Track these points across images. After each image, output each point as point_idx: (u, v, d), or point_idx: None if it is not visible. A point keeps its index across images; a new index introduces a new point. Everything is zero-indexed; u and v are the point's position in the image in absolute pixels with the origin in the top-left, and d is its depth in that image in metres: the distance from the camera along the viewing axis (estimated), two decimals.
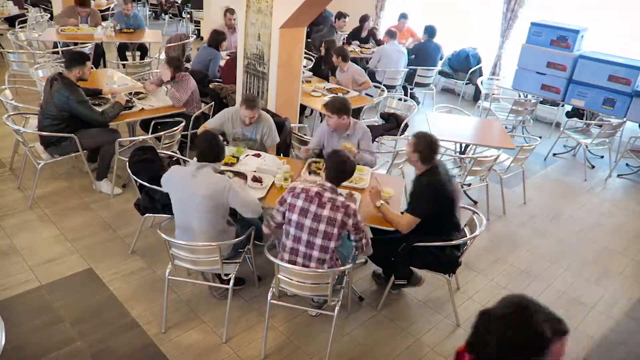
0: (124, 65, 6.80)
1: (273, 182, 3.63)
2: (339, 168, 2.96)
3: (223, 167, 3.71)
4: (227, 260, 3.19)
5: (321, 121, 5.89)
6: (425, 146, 3.19)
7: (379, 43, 8.30)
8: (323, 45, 6.77)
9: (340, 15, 8.73)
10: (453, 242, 3.23)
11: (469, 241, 3.35)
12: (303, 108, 6.20)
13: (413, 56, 7.67)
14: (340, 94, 5.66)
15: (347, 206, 2.85)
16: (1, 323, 2.26)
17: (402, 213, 3.30)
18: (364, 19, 8.43)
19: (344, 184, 3.58)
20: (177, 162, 4.00)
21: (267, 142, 4.30)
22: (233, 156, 3.93)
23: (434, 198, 3.17)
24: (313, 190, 2.89)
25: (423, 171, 3.26)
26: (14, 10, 8.97)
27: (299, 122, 6.08)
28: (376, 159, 4.17)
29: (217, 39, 6.36)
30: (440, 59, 7.97)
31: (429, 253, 3.25)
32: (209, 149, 3.11)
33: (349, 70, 6.08)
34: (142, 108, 4.87)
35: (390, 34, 7.45)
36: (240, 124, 4.22)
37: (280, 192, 3.41)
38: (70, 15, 7.46)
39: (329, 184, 2.93)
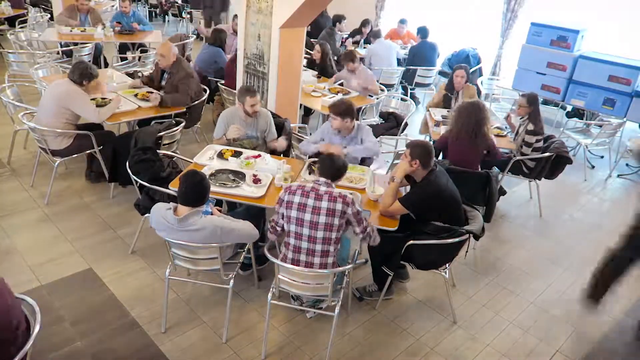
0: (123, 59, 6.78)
1: (272, 181, 3.62)
2: (330, 166, 2.98)
3: (221, 167, 3.69)
4: (227, 261, 3.18)
5: (323, 120, 5.88)
6: (421, 152, 3.28)
7: None
8: (318, 48, 6.69)
9: (338, 19, 8.80)
10: (448, 241, 3.22)
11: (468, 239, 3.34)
12: (309, 110, 6.17)
13: (409, 57, 7.70)
14: (340, 94, 5.65)
15: (345, 196, 2.89)
16: (37, 309, 2.26)
17: None
18: (364, 24, 8.68)
19: (344, 184, 3.59)
20: (177, 162, 3.99)
21: (267, 137, 4.29)
22: (236, 151, 3.93)
23: (429, 197, 3.28)
24: (309, 186, 2.93)
25: (424, 176, 3.33)
26: (8, 9, 8.88)
27: (305, 123, 6.07)
28: (379, 148, 4.17)
29: (220, 37, 6.31)
30: (438, 57, 7.97)
31: (426, 251, 3.27)
32: (193, 192, 2.83)
33: (359, 74, 5.92)
34: (139, 107, 4.80)
35: (375, 35, 7.67)
36: (239, 122, 4.18)
37: (279, 191, 3.40)
38: (71, 16, 7.45)
39: (323, 179, 2.96)
